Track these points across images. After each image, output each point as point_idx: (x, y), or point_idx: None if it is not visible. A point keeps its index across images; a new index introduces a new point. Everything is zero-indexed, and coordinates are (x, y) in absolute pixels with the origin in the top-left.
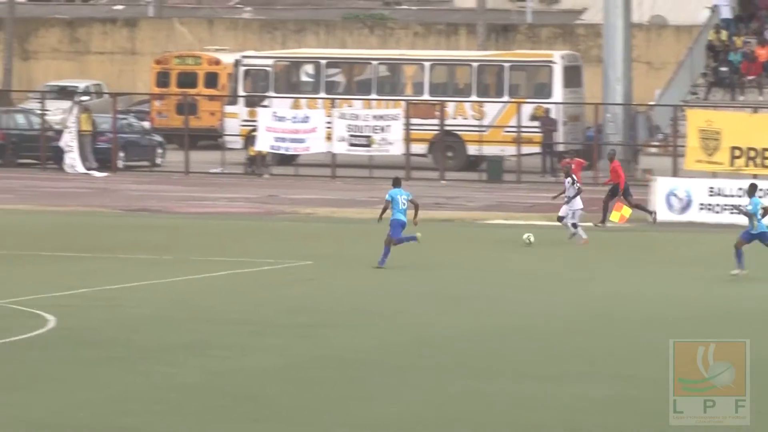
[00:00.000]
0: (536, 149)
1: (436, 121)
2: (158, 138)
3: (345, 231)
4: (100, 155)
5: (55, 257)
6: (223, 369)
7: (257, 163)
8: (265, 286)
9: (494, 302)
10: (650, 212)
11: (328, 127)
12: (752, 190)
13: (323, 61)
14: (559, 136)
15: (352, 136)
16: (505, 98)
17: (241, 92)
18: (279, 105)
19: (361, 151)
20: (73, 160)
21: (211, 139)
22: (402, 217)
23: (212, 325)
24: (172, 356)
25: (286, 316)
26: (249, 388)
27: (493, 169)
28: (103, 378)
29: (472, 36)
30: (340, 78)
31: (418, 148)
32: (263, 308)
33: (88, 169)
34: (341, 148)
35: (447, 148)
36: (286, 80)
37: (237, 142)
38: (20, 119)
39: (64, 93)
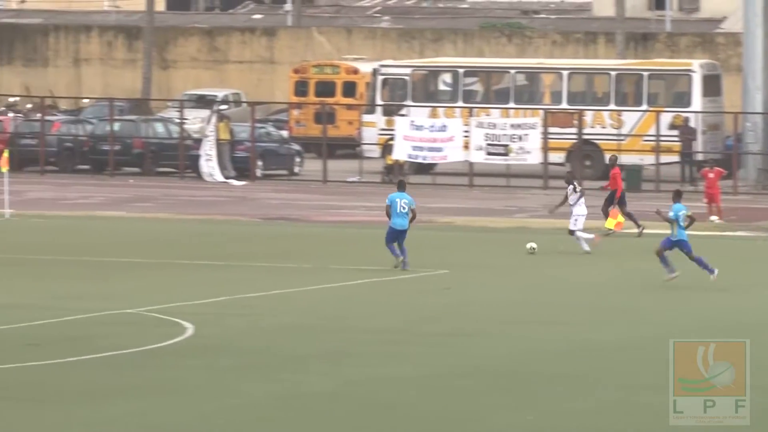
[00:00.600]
0: (675, 158)
1: (574, 130)
2: (296, 147)
3: (482, 240)
4: (238, 164)
5: (193, 265)
6: (360, 378)
7: (394, 172)
8: (402, 295)
9: (631, 313)
10: (639, 225)
11: (466, 136)
12: (677, 197)
13: (461, 70)
14: (699, 145)
15: (489, 144)
16: (644, 107)
17: (378, 101)
18: (417, 114)
19: (498, 160)
20: (211, 168)
21: (349, 148)
22: (399, 223)
23: (349, 333)
24: (309, 365)
25: (423, 325)
26: (386, 397)
27: (632, 178)
28: (239, 386)
29: (610, 44)
30: (477, 87)
31: (556, 156)
32: (400, 317)
33: (227, 177)
34: (479, 157)
35: (585, 157)
36: (424, 89)
37: (374, 151)
38: (159, 128)
39: (203, 102)
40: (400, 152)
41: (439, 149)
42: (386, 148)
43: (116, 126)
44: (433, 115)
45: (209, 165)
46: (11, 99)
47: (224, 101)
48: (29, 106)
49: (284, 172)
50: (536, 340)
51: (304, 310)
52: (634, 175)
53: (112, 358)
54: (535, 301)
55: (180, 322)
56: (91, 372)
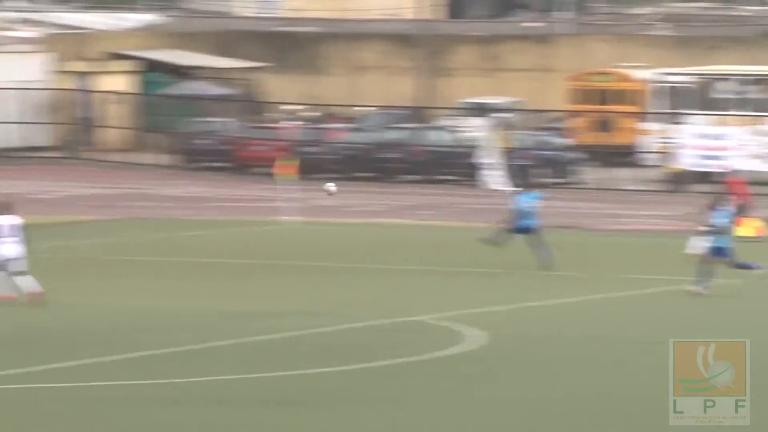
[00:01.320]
0: None
1: None
2: (574, 154)
3: (765, 250)
4: (517, 172)
5: (477, 273)
6: None
7: (675, 181)
8: (685, 305)
9: None
10: None
11: (747, 145)
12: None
13: (742, 78)
14: None
15: None
16: None
17: (656, 109)
18: (696, 122)
19: None
20: (491, 176)
21: (627, 155)
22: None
23: (629, 344)
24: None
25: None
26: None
27: None
28: (525, 394)
29: None
30: (759, 95)
31: None
32: (680, 327)
33: (506, 185)
34: (761, 166)
35: None
36: (704, 97)
37: (653, 159)
38: (438, 136)
39: (481, 110)
40: (680, 160)
41: (720, 158)
42: (665, 156)
43: (396, 134)
44: (714, 123)
45: (490, 173)
46: (293, 107)
47: (502, 109)
48: (309, 114)
49: (562, 180)
50: None
51: (589, 320)
52: None
53: (394, 367)
54: None
55: (462, 331)
56: (372, 379)
